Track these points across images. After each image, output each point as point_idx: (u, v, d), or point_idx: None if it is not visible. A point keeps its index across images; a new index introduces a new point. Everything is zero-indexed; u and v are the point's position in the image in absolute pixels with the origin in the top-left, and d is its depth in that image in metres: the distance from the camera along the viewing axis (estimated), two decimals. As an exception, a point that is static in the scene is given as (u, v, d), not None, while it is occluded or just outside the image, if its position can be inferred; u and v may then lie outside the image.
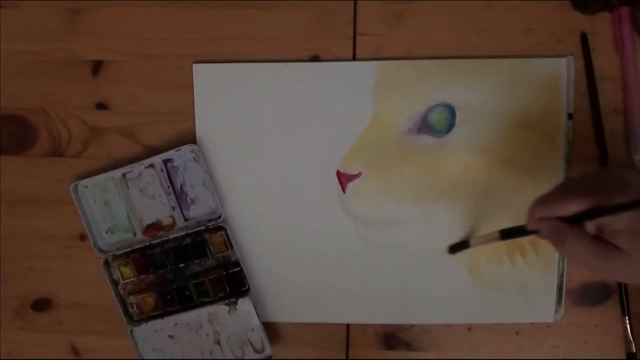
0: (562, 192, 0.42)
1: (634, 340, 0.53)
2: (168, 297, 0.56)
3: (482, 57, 0.53)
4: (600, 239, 0.40)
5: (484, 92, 0.53)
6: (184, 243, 0.55)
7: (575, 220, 0.41)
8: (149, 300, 0.56)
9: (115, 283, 0.55)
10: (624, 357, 0.54)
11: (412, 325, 0.56)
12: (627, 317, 0.53)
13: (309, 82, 0.54)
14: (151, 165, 0.54)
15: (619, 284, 0.53)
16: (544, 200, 0.42)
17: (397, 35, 0.53)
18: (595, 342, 0.55)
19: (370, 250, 0.54)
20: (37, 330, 0.57)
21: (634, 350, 0.53)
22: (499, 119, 0.53)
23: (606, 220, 0.40)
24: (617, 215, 0.39)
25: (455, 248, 0.53)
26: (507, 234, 0.48)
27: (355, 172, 0.54)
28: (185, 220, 0.55)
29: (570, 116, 0.53)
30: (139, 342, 0.55)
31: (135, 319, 0.56)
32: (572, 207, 0.40)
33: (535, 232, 0.44)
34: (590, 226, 0.41)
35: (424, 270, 0.54)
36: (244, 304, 0.55)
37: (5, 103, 0.56)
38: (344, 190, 0.54)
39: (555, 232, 0.41)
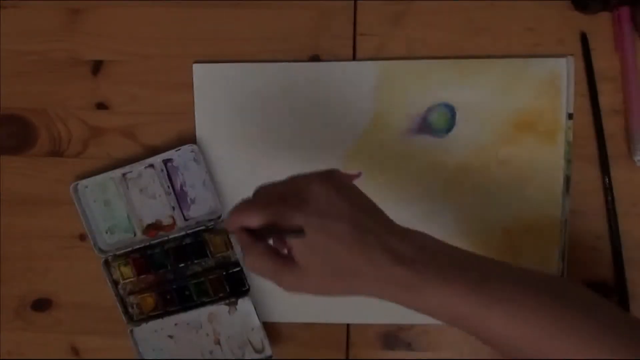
0: (250, 203, 0.41)
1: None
2: (168, 297, 0.56)
3: (482, 57, 0.53)
4: (279, 254, 0.40)
5: (484, 92, 0.53)
6: (184, 243, 0.55)
7: (258, 234, 0.40)
8: (149, 300, 0.56)
9: (115, 283, 0.55)
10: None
11: (412, 325, 0.56)
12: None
13: (309, 82, 0.54)
14: (151, 165, 0.54)
15: (617, 283, 0.53)
16: (235, 209, 0.41)
17: (397, 35, 0.53)
18: (595, 342, 0.55)
19: (370, 250, 0.54)
20: (37, 330, 0.57)
21: None
22: (499, 119, 0.53)
23: (284, 236, 0.39)
24: (288, 224, 0.38)
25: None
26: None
27: (356, 172, 0.54)
28: (185, 220, 0.55)
29: (570, 116, 0.53)
30: (139, 342, 0.55)
31: (135, 319, 0.56)
32: (253, 221, 0.40)
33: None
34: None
35: (424, 270, 0.54)
36: (244, 304, 0.55)
37: (6, 103, 0.56)
38: (344, 190, 0.54)
39: (241, 244, 0.41)
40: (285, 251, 0.41)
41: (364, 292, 0.39)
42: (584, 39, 0.52)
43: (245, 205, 0.41)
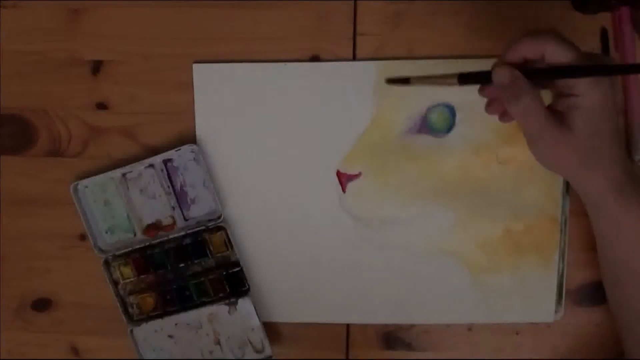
0: (557, 37, 0.40)
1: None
2: (168, 297, 0.56)
3: (482, 57, 0.53)
4: (552, 110, 0.40)
5: (484, 92, 0.53)
6: (184, 243, 0.55)
7: (546, 75, 0.40)
8: (149, 300, 0.56)
9: (115, 283, 0.55)
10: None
11: (412, 325, 0.56)
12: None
13: (309, 82, 0.54)
14: (151, 165, 0.54)
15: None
16: (531, 39, 0.40)
17: (397, 35, 0.53)
18: (595, 342, 0.55)
19: (370, 250, 0.54)
20: (37, 330, 0.57)
21: None
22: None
23: (576, 89, 0.39)
24: (590, 92, 0.39)
25: (393, 81, 0.47)
26: (465, 78, 0.43)
27: (355, 172, 0.54)
28: (185, 220, 0.55)
29: (570, 116, 0.53)
30: (139, 342, 0.55)
31: (135, 319, 0.56)
32: (558, 55, 0.39)
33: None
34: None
35: (424, 270, 0.54)
36: (244, 304, 0.55)
37: (6, 103, 0.56)
38: (344, 190, 0.54)
39: (515, 83, 0.40)
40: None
41: (587, 184, 0.43)
42: (603, 35, 0.52)
43: (547, 37, 0.40)
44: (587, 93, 0.39)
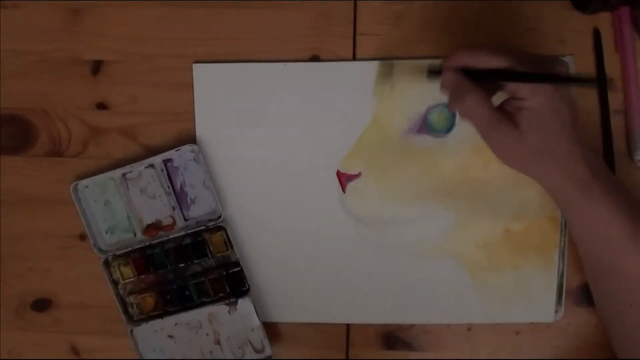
0: (488, 46, 0.43)
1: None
2: (168, 297, 0.56)
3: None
4: (501, 110, 0.42)
5: (484, 92, 0.53)
6: (184, 243, 0.55)
7: (485, 77, 0.41)
8: (149, 300, 0.56)
9: (115, 283, 0.55)
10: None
11: (412, 325, 0.56)
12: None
13: (309, 82, 0.54)
14: (151, 165, 0.54)
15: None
16: (467, 48, 0.43)
17: (397, 35, 0.53)
18: (595, 342, 0.55)
19: (370, 250, 0.54)
20: (37, 330, 0.57)
21: None
22: (499, 119, 0.53)
23: (520, 93, 0.41)
24: (532, 96, 0.40)
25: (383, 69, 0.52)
26: (433, 74, 0.47)
27: (355, 172, 0.54)
28: (185, 220, 0.55)
29: (570, 116, 0.53)
30: (139, 342, 0.55)
31: (135, 319, 0.56)
32: (492, 61, 0.41)
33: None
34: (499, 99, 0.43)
35: (424, 270, 0.54)
36: (244, 304, 0.55)
37: (5, 103, 0.56)
38: (344, 190, 0.54)
39: (458, 85, 0.42)
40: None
41: (547, 181, 0.44)
42: (596, 36, 0.52)
43: (482, 46, 0.43)
44: (529, 96, 0.41)
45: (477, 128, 0.44)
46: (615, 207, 0.43)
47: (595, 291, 0.49)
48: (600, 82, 0.52)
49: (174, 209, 0.54)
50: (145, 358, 0.55)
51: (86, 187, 0.54)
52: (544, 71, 0.42)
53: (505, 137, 0.42)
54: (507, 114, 0.42)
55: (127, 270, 0.55)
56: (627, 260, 0.44)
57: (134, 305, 0.56)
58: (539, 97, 0.41)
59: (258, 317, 0.54)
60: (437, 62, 0.46)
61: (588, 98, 0.53)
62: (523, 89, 0.41)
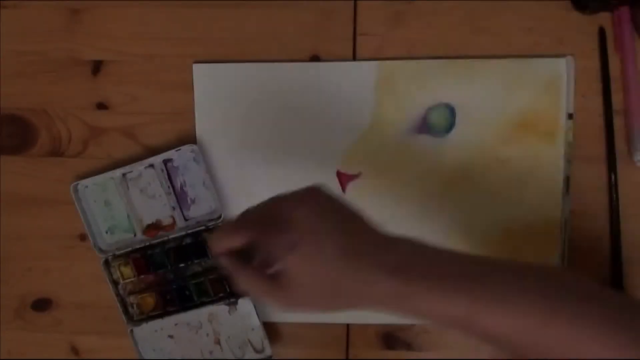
0: (232, 225, 0.41)
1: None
2: (168, 297, 0.56)
3: (482, 57, 0.53)
4: (266, 276, 0.39)
5: (484, 92, 0.53)
6: (184, 243, 0.55)
7: (244, 257, 0.40)
8: (149, 300, 0.56)
9: (115, 283, 0.55)
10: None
11: (412, 325, 0.56)
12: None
13: (309, 82, 0.54)
14: (151, 165, 0.54)
15: (614, 283, 0.53)
16: (217, 232, 0.41)
17: (397, 35, 0.53)
18: (595, 342, 0.55)
19: (370, 250, 0.54)
20: (37, 330, 0.57)
21: None
22: (499, 119, 0.53)
23: (269, 249, 0.39)
24: (274, 248, 0.38)
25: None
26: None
27: (355, 172, 0.54)
28: (185, 220, 0.55)
29: (570, 116, 0.53)
30: (139, 342, 0.55)
31: (135, 319, 0.56)
32: (237, 241, 0.40)
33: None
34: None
35: (424, 270, 0.54)
36: (244, 304, 0.55)
37: (5, 103, 0.56)
38: (344, 190, 0.54)
39: (229, 267, 0.40)
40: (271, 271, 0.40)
41: (358, 307, 0.40)
42: (601, 34, 0.52)
43: (228, 227, 0.41)
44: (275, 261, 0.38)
45: (268, 302, 0.41)
46: (440, 290, 0.37)
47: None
48: (605, 82, 0.52)
49: (174, 209, 0.54)
50: (145, 358, 0.55)
51: (86, 187, 0.54)
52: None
53: (289, 295, 0.39)
54: (272, 278, 0.39)
55: (127, 270, 0.55)
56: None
57: (134, 305, 0.56)
58: (280, 244, 0.38)
59: (258, 317, 0.54)
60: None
61: (588, 98, 0.53)
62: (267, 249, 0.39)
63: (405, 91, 0.53)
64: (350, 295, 0.39)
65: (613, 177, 0.53)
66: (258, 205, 0.41)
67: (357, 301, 0.39)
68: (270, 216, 0.40)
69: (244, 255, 0.40)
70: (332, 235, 0.38)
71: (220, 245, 0.41)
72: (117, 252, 0.55)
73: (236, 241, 0.40)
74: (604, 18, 0.52)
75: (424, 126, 0.53)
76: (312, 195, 0.40)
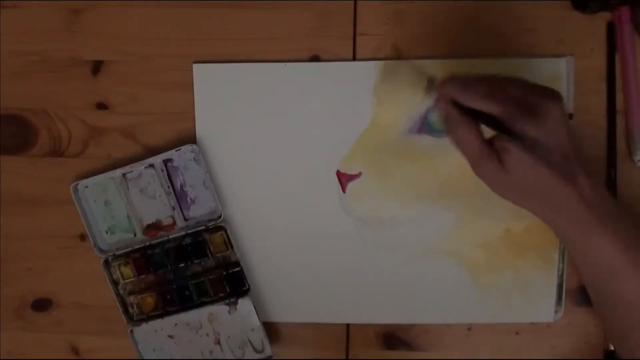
0: (488, 86, 0.42)
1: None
2: (168, 297, 0.56)
3: (482, 57, 0.53)
4: (491, 144, 0.42)
5: (484, 92, 0.53)
6: (184, 243, 0.55)
7: (471, 113, 0.42)
8: (149, 300, 0.56)
9: (115, 283, 0.55)
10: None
11: (412, 325, 0.56)
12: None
13: (309, 82, 0.54)
14: (151, 165, 0.54)
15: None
16: (462, 81, 0.43)
17: (397, 35, 0.53)
18: (595, 342, 0.55)
19: (370, 250, 0.54)
20: (37, 330, 0.57)
21: (612, 348, 0.53)
22: (499, 119, 0.53)
23: (510, 124, 0.41)
24: (518, 137, 0.41)
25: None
26: (430, 89, 0.47)
27: (355, 172, 0.54)
28: (185, 220, 0.55)
29: (570, 116, 0.53)
30: (139, 342, 0.55)
31: (135, 319, 0.56)
32: (479, 104, 0.41)
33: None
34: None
35: (424, 270, 0.54)
36: (244, 304, 0.55)
37: (5, 103, 0.56)
38: (344, 190, 0.54)
39: (449, 116, 0.43)
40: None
41: (543, 216, 0.44)
42: (610, 29, 0.52)
43: (476, 84, 0.42)
44: (515, 138, 0.41)
45: (466, 158, 0.44)
46: (614, 239, 0.42)
47: (601, 313, 0.49)
48: (610, 78, 0.52)
49: (174, 209, 0.54)
50: (145, 358, 0.55)
51: (86, 187, 0.54)
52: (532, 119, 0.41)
53: (492, 174, 0.43)
54: (495, 150, 0.42)
55: (127, 270, 0.55)
56: (628, 286, 0.43)
57: (134, 305, 0.56)
58: (526, 139, 0.41)
59: (258, 317, 0.54)
60: (434, 76, 0.47)
61: (589, 98, 0.53)
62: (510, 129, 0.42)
63: (405, 91, 0.53)
64: (544, 201, 0.43)
65: (613, 176, 0.53)
66: (508, 78, 0.43)
67: (545, 210, 0.44)
68: (520, 96, 0.42)
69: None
70: (563, 143, 0.41)
71: (456, 92, 0.42)
72: (117, 252, 0.55)
73: (478, 104, 0.41)
74: (604, 18, 0.52)
75: (424, 126, 0.53)
76: (562, 99, 0.42)
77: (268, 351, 0.55)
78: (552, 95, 0.42)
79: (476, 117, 0.42)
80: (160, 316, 0.55)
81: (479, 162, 0.43)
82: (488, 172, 0.43)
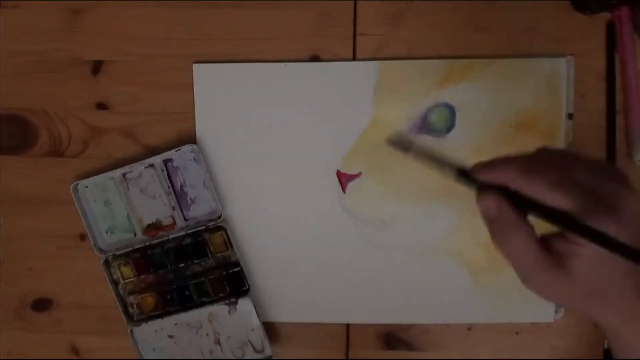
0: (556, 171, 0.34)
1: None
2: (168, 297, 0.56)
3: (482, 57, 0.53)
4: (547, 247, 0.34)
5: (484, 92, 0.53)
6: (184, 243, 0.55)
7: (535, 210, 0.33)
8: (149, 300, 0.56)
9: (115, 283, 0.55)
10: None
11: (412, 325, 0.56)
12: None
13: (309, 82, 0.54)
14: (151, 165, 0.54)
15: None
16: (529, 168, 0.34)
17: (397, 35, 0.53)
18: (595, 342, 0.55)
19: (370, 250, 0.54)
20: (37, 330, 0.57)
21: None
22: (499, 119, 0.53)
23: (575, 238, 0.34)
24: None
25: (394, 143, 0.40)
26: (463, 175, 0.38)
27: (355, 172, 0.54)
28: (185, 220, 0.55)
29: (570, 116, 0.53)
30: (139, 342, 0.55)
31: (135, 319, 0.56)
32: (555, 198, 0.33)
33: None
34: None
35: (424, 270, 0.54)
36: (244, 304, 0.55)
37: (5, 103, 0.56)
38: (344, 190, 0.54)
39: (501, 218, 0.35)
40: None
41: (603, 320, 0.36)
42: (609, 29, 0.52)
43: (544, 170, 0.33)
44: (588, 243, 0.33)
45: (515, 268, 0.36)
46: None
47: None
48: (610, 77, 0.52)
49: (174, 209, 0.54)
50: (145, 358, 0.55)
51: (86, 187, 0.54)
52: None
53: (552, 282, 0.35)
54: (554, 253, 0.35)
55: (127, 270, 0.55)
56: None
57: (134, 305, 0.56)
58: (605, 239, 0.33)
59: (258, 317, 0.54)
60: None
61: (588, 98, 0.53)
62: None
63: (405, 91, 0.53)
64: (607, 303, 0.35)
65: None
66: (574, 156, 0.34)
67: (607, 312, 0.36)
68: (595, 184, 0.33)
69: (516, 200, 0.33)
70: None
71: (509, 177, 0.34)
72: (117, 252, 0.55)
73: (545, 195, 0.33)
74: (604, 18, 0.52)
75: (424, 126, 0.53)
76: (634, 188, 0.34)
77: (268, 351, 0.55)
78: (623, 179, 0.35)
79: (528, 208, 0.34)
80: (160, 316, 0.55)
81: (532, 274, 0.35)
82: (543, 282, 0.35)
